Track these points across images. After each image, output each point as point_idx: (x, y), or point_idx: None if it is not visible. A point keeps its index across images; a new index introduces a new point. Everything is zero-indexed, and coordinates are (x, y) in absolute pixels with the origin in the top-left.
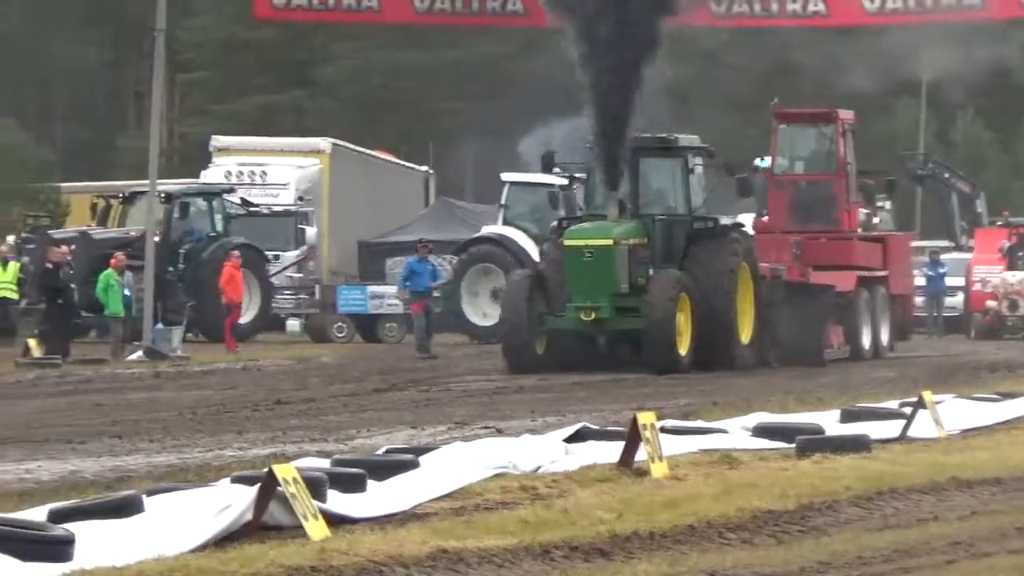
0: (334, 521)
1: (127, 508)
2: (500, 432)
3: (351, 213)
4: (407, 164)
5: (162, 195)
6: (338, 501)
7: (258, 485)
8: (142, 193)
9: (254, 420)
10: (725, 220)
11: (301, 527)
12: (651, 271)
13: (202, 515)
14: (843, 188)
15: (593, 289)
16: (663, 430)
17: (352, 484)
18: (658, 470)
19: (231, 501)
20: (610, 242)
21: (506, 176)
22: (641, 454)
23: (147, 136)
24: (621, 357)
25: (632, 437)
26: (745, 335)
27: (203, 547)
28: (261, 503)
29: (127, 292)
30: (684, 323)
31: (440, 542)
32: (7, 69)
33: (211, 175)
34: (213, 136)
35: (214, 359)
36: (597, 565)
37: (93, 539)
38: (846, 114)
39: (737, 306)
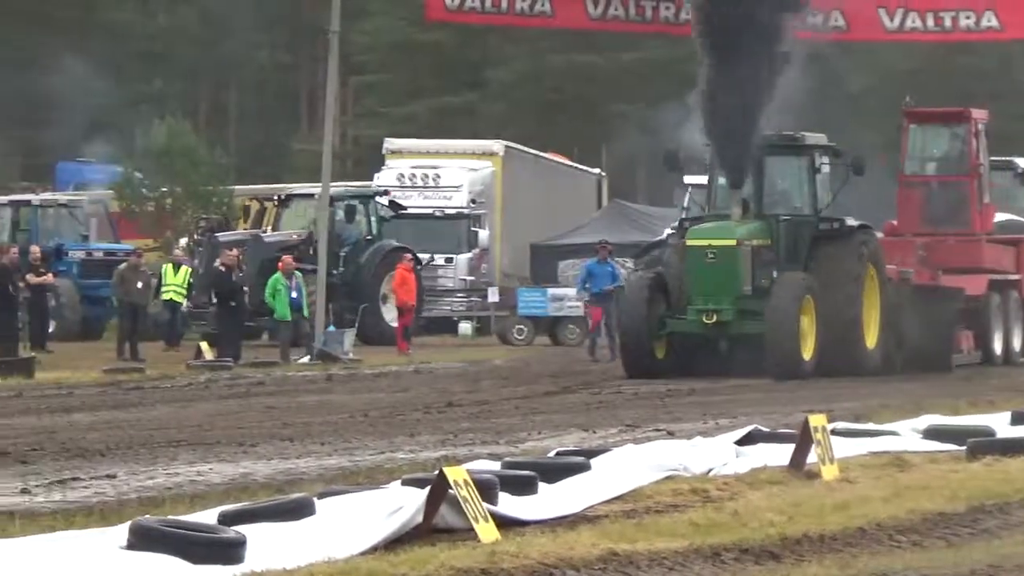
0: (504, 523)
1: (298, 510)
2: (671, 434)
3: (523, 215)
4: (579, 166)
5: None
6: (509, 503)
7: (429, 487)
8: (298, 196)
9: (425, 423)
10: (852, 221)
11: (471, 529)
12: (775, 273)
13: (373, 518)
14: (975, 189)
15: (715, 291)
16: (834, 432)
17: (523, 486)
18: (829, 472)
19: (402, 503)
20: (733, 243)
21: (689, 179)
22: (812, 456)
23: (320, 139)
24: (743, 361)
25: (803, 439)
26: (871, 339)
27: (373, 549)
28: (432, 505)
29: (294, 295)
30: (808, 327)
31: (610, 544)
32: (182, 71)
33: (384, 178)
34: (386, 139)
35: (386, 362)
36: (767, 568)
37: (264, 541)
38: (979, 113)
39: (863, 310)
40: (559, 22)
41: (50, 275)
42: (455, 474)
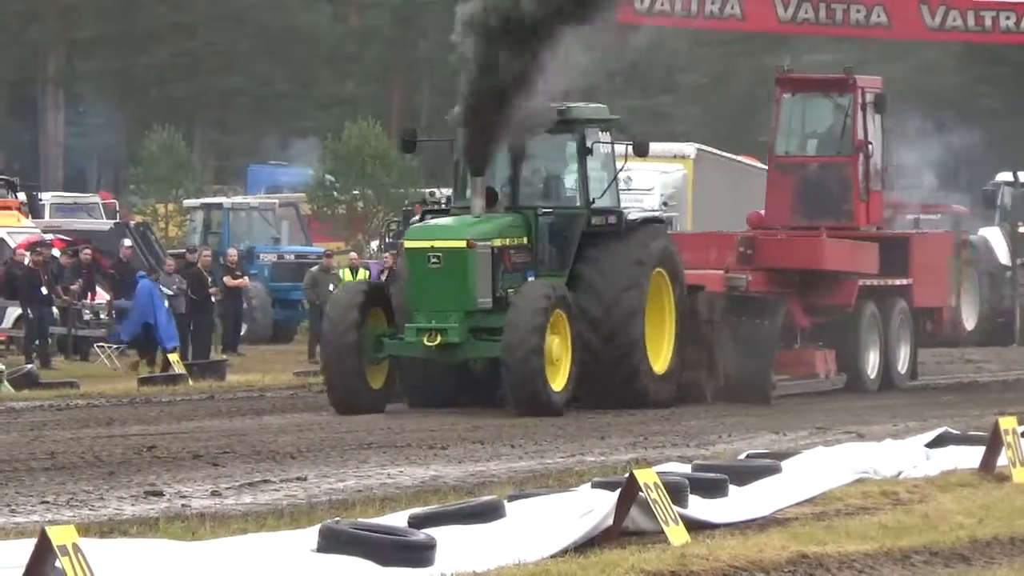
0: (694, 526)
1: (488, 513)
2: (861, 437)
3: (715, 218)
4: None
5: None
6: (698, 506)
7: (619, 490)
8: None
9: (616, 426)
10: (638, 213)
11: (661, 532)
12: (532, 280)
13: (563, 520)
14: (858, 173)
15: (439, 305)
16: None
17: (713, 489)
18: (1019, 475)
19: (592, 506)
20: (462, 244)
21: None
22: (1003, 459)
23: None
24: (481, 390)
25: (994, 442)
26: (659, 364)
27: (563, 552)
28: (622, 508)
29: None
30: (560, 349)
31: (800, 547)
32: (375, 72)
33: None
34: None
35: None
36: (957, 571)
37: (453, 544)
38: (868, 81)
39: (646, 326)
40: (750, 25)
41: (245, 278)
42: (645, 477)
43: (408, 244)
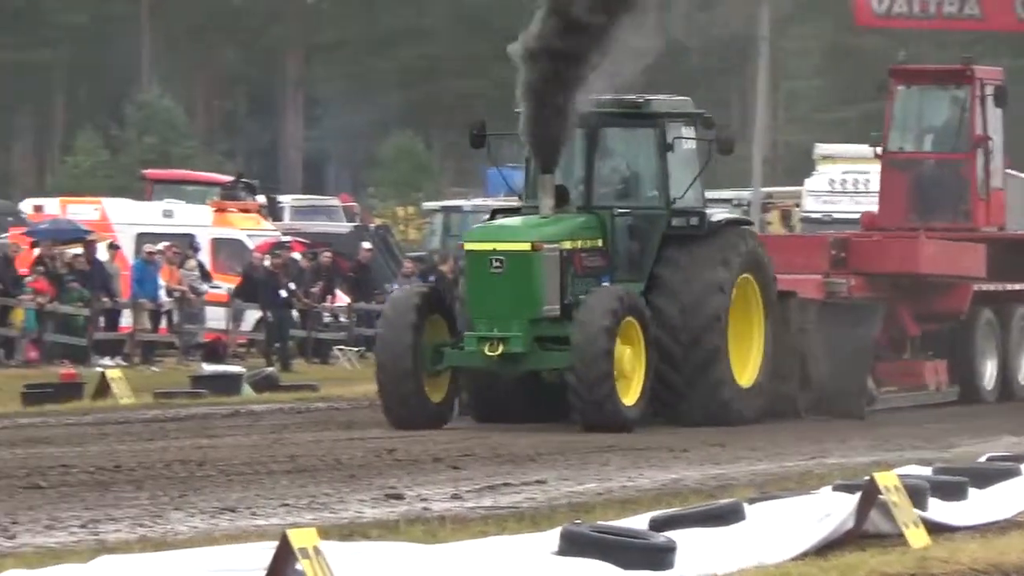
0: (934, 529)
1: (728, 516)
2: None
3: None
4: (1014, 172)
5: None
6: (939, 509)
7: (860, 493)
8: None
9: (855, 428)
10: (724, 214)
11: (901, 535)
12: (607, 285)
13: (803, 523)
14: (976, 170)
15: (502, 312)
16: None
17: (953, 492)
18: None
19: (832, 509)
20: (527, 247)
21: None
22: None
23: (751, 145)
24: (550, 405)
25: None
26: (746, 376)
27: (803, 555)
28: (862, 511)
29: None
30: (632, 360)
31: None
32: None
33: (814, 183)
34: (816, 144)
35: None
36: None
37: (693, 547)
38: (987, 72)
39: (730, 336)
40: (989, 24)
41: None
42: (886, 480)
43: (468, 246)
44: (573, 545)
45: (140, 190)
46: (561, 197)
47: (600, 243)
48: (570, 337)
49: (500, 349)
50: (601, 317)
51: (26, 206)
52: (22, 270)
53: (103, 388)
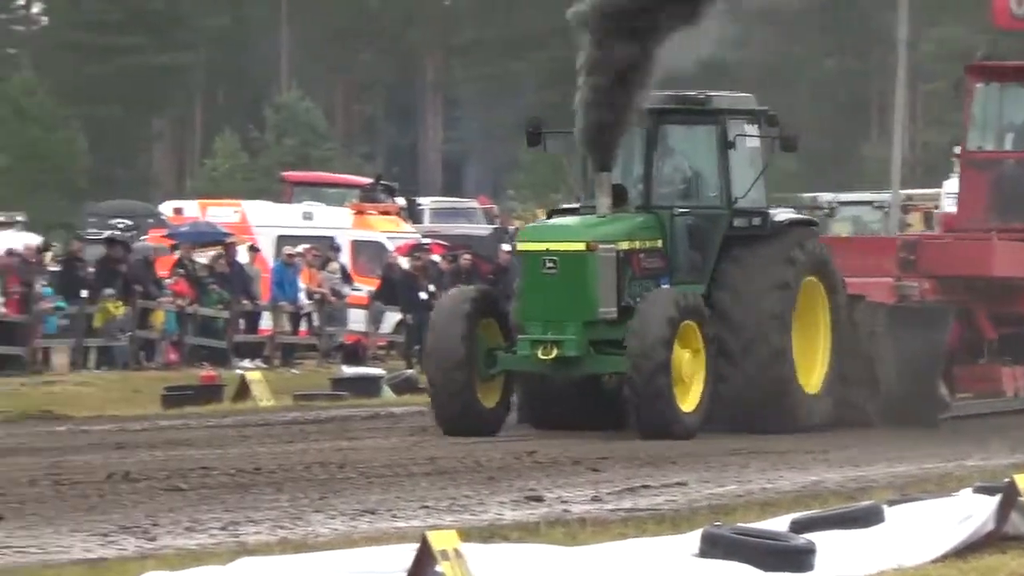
0: None
1: (868, 518)
2: None
3: None
4: None
5: None
6: None
7: (1000, 495)
8: (848, 203)
9: (996, 430)
10: (786, 214)
11: None
12: (666, 287)
13: (943, 525)
14: None
15: (556, 314)
16: None
17: None
18: None
19: (972, 511)
20: (582, 247)
21: None
22: None
23: (889, 146)
24: (607, 411)
25: None
26: (812, 383)
27: (943, 558)
28: (1003, 513)
29: None
30: (691, 365)
31: None
32: (750, 82)
33: (952, 185)
34: (954, 146)
35: None
36: None
37: (833, 549)
38: None
39: (794, 339)
40: None
41: None
42: None
43: (521, 246)
44: (713, 547)
45: (279, 192)
46: (619, 196)
47: (659, 243)
48: (626, 344)
49: (554, 352)
50: (658, 320)
51: (166, 208)
52: (162, 272)
53: (243, 390)
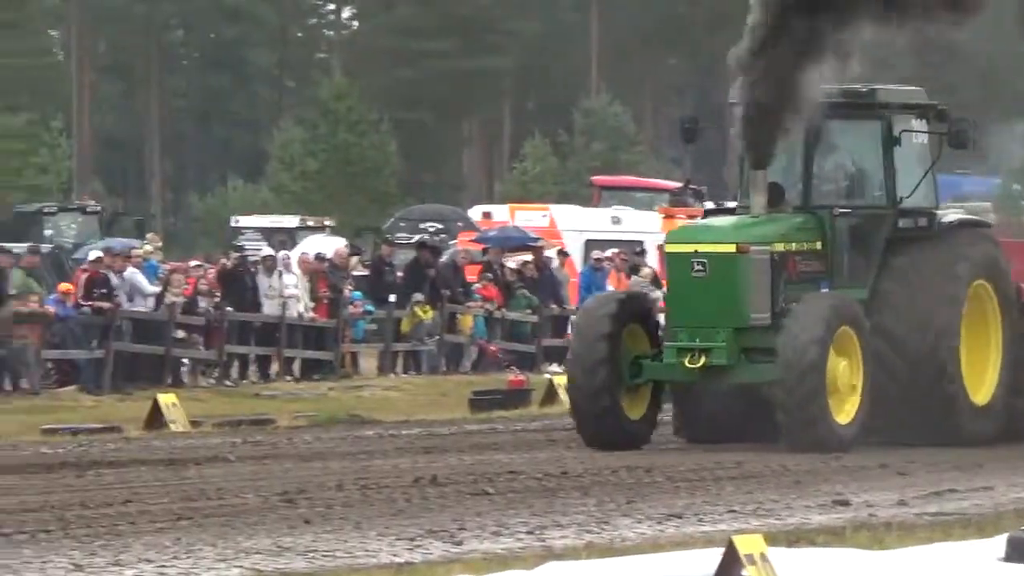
0: None
1: None
2: None
3: None
4: None
5: None
6: None
7: None
8: None
9: None
10: (955, 215)
11: None
12: (825, 291)
13: None
14: None
15: (704, 320)
16: None
17: None
18: None
19: None
20: (732, 248)
21: None
22: None
23: None
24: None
25: None
26: (981, 394)
27: None
28: None
29: None
30: (848, 374)
31: None
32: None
33: None
34: None
35: None
36: None
37: None
38: None
39: (963, 348)
40: None
41: None
42: None
43: (669, 248)
44: (1019, 552)
45: (587, 196)
46: (776, 195)
47: (818, 245)
48: (777, 348)
49: (702, 361)
50: (812, 327)
51: (475, 213)
52: (470, 277)
53: (551, 395)
